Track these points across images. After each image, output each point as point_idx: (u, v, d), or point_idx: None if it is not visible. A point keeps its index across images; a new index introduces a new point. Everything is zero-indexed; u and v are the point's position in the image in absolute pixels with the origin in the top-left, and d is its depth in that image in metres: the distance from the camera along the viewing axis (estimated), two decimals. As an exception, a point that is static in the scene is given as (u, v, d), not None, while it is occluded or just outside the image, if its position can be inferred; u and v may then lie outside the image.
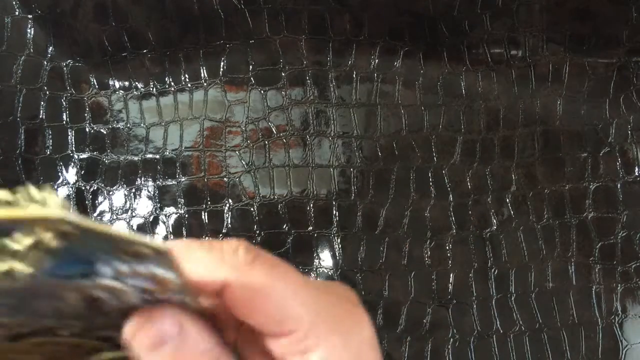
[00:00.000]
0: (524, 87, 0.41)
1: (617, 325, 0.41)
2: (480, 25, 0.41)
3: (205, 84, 0.40)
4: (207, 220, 0.39)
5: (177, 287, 0.16)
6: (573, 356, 0.40)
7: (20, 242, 0.14)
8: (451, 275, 0.39)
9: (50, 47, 0.40)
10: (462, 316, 0.39)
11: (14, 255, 0.14)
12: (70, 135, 0.40)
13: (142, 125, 0.40)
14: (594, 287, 0.41)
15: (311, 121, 0.40)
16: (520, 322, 0.39)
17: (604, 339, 0.41)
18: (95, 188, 0.40)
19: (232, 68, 0.40)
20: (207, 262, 0.16)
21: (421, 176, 0.40)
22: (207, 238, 0.39)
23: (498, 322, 0.39)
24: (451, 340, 0.39)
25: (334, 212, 0.39)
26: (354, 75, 0.41)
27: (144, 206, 0.40)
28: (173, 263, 0.15)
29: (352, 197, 0.39)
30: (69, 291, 0.15)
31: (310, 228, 0.39)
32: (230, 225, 0.39)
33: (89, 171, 0.40)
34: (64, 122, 0.40)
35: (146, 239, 0.14)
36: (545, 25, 0.42)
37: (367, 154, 0.40)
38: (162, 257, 0.15)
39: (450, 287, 0.39)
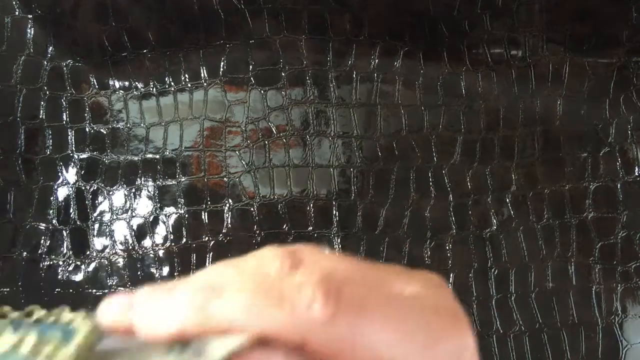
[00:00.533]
0: (524, 87, 0.41)
1: (617, 325, 0.41)
2: (480, 25, 0.41)
3: (205, 84, 0.40)
4: (207, 220, 0.39)
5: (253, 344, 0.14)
6: (573, 356, 0.40)
7: None
8: (451, 275, 0.40)
9: (50, 47, 0.40)
10: (462, 316, 0.39)
11: None
12: (70, 135, 0.40)
13: (142, 125, 0.40)
14: (594, 287, 0.41)
15: (311, 121, 0.40)
16: (520, 322, 0.39)
17: (604, 339, 0.41)
18: (95, 188, 0.40)
19: (232, 68, 0.40)
20: (278, 322, 0.14)
21: (421, 176, 0.40)
22: (207, 238, 0.39)
23: (498, 322, 0.39)
24: (451, 340, 0.39)
25: (334, 212, 0.39)
26: (354, 75, 0.41)
27: (144, 206, 0.40)
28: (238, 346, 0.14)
29: (352, 197, 0.39)
30: None
31: (310, 228, 0.39)
32: (230, 225, 0.39)
33: (89, 171, 0.40)
34: (64, 122, 0.40)
35: (216, 346, 0.14)
36: (545, 25, 0.42)
37: (367, 154, 0.40)
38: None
39: (450, 287, 0.39)
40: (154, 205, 0.40)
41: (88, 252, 0.40)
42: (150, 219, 0.40)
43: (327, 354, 0.14)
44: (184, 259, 0.39)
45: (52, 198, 0.40)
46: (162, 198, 0.40)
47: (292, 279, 0.15)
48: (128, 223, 0.40)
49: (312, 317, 0.14)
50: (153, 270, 0.39)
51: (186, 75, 0.40)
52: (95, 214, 0.40)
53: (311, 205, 0.39)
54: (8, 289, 0.39)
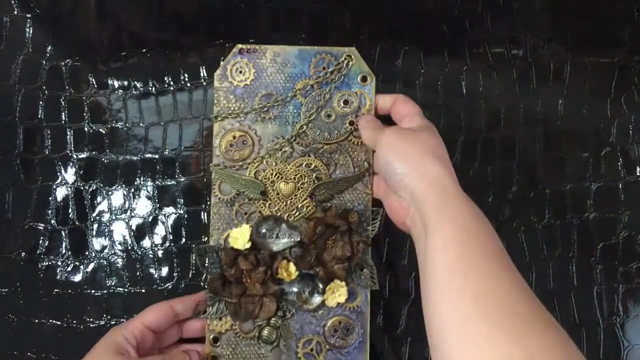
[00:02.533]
0: (525, 86, 0.41)
1: (618, 326, 0.41)
2: (481, 25, 0.41)
3: (204, 84, 0.40)
4: (206, 221, 0.39)
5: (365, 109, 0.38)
6: (574, 357, 0.40)
7: None
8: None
9: (49, 47, 0.40)
10: (462, 317, 0.39)
11: None
12: (69, 135, 0.40)
13: (141, 124, 0.40)
14: (596, 287, 0.41)
15: (311, 121, 0.40)
16: (521, 323, 0.39)
17: (605, 339, 0.41)
18: (94, 188, 0.40)
19: (232, 67, 0.40)
20: (384, 98, 0.38)
21: (422, 176, 0.40)
22: (206, 239, 0.39)
23: (499, 323, 0.39)
24: (452, 341, 0.38)
25: (334, 212, 0.39)
26: (354, 75, 0.40)
27: (143, 206, 0.40)
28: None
29: (352, 197, 0.39)
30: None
31: (310, 228, 0.39)
32: (229, 226, 0.39)
33: (87, 171, 0.40)
34: (63, 122, 0.40)
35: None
36: (547, 24, 0.42)
37: (368, 153, 0.40)
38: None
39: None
40: (153, 205, 0.40)
41: (87, 253, 0.39)
42: (150, 219, 0.40)
43: (398, 109, 0.37)
44: (183, 260, 0.39)
45: (50, 198, 0.39)
46: (162, 198, 0.40)
47: None
48: (127, 223, 0.40)
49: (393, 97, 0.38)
50: (152, 270, 0.39)
51: (185, 75, 0.40)
52: (94, 214, 0.40)
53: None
54: (6, 290, 0.39)
